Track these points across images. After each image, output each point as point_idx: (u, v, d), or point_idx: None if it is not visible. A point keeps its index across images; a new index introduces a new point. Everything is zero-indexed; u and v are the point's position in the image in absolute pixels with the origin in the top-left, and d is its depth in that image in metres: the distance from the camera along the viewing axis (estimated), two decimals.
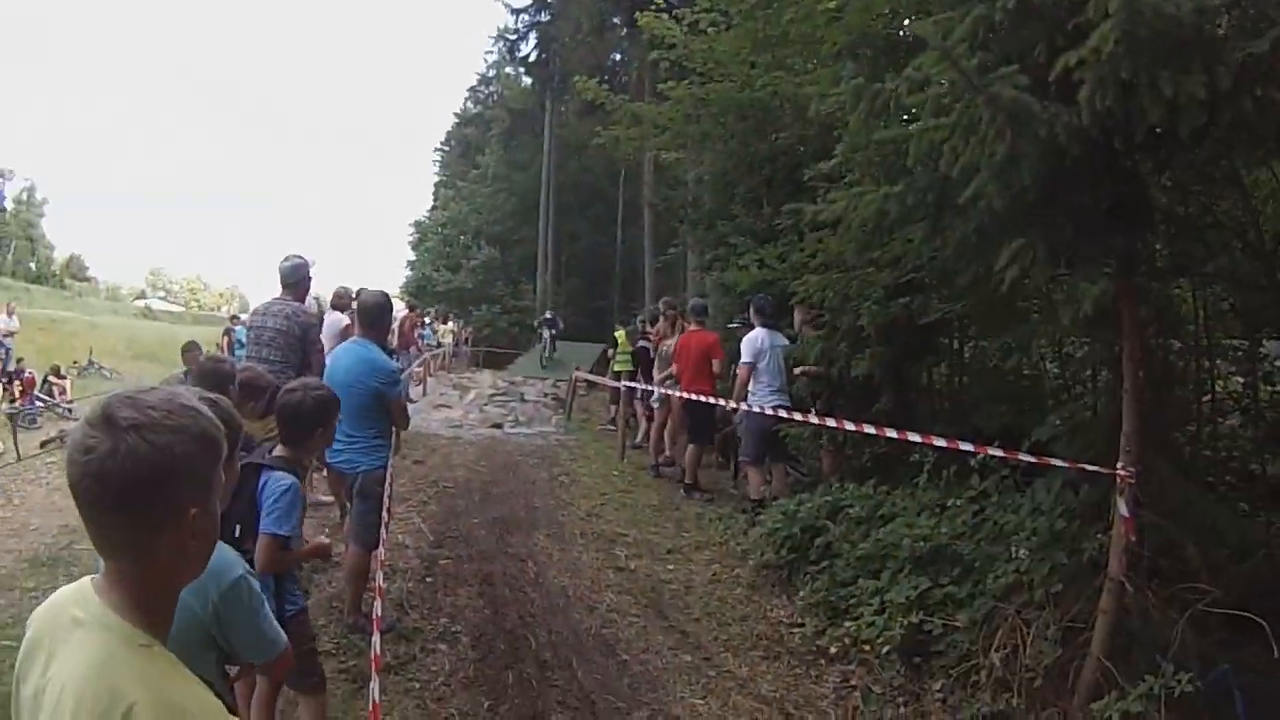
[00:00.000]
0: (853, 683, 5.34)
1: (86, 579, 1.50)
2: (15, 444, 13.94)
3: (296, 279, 6.91)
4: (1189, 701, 4.00)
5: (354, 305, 10.74)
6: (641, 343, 13.26)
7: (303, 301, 7.06)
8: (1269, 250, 5.45)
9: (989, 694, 4.73)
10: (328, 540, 4.21)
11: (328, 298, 10.81)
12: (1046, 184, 4.12)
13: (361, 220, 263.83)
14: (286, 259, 7.01)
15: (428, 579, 6.78)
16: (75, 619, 1.43)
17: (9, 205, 79.54)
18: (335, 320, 9.54)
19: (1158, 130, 3.80)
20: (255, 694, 4.11)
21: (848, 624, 5.74)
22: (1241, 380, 6.14)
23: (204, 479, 1.47)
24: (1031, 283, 5.41)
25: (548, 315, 29.04)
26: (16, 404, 20.39)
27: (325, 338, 7.95)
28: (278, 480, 3.67)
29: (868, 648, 5.49)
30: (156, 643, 1.42)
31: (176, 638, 2.22)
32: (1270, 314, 5.70)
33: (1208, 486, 5.36)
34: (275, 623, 2.44)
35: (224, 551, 2.36)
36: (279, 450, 3.87)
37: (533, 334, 29.21)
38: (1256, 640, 4.10)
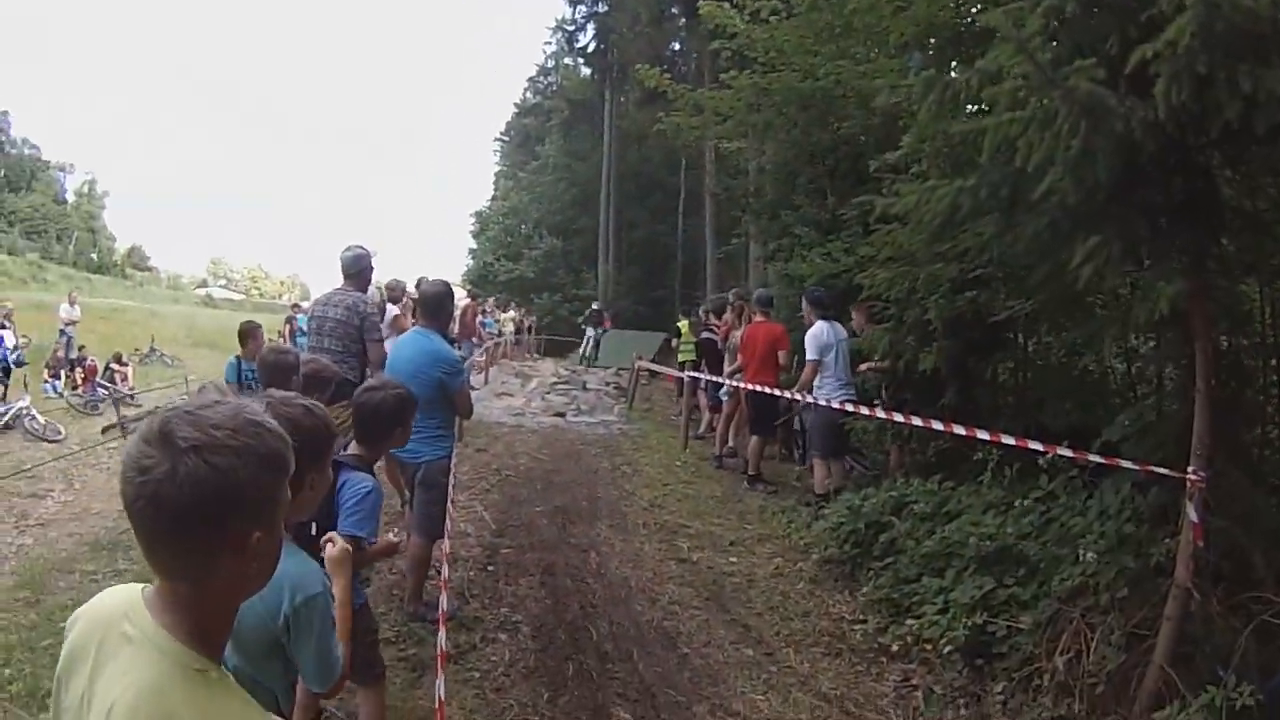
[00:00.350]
0: (914, 682, 5.30)
1: (137, 588, 1.45)
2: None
3: (358, 269, 6.98)
4: (1249, 714, 3.92)
5: (406, 296, 10.99)
6: (705, 334, 13.17)
7: (364, 291, 7.11)
8: None
9: (1050, 699, 4.67)
10: (397, 539, 4.24)
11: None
12: (1120, 180, 4.02)
13: (420, 212, 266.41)
14: (348, 249, 7.09)
15: (489, 567, 6.85)
16: (125, 634, 1.38)
17: (70, 198, 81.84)
18: (388, 312, 9.65)
19: (1233, 126, 3.69)
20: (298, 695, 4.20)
21: (910, 622, 5.69)
22: None
23: (269, 502, 1.41)
24: (1105, 281, 5.29)
25: (594, 307, 28.15)
26: (79, 391, 20.93)
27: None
28: (359, 482, 3.69)
29: (929, 647, 5.44)
30: (213, 667, 1.38)
31: (244, 643, 2.27)
32: None
33: (1275, 491, 5.21)
34: (338, 648, 2.43)
35: (307, 563, 2.38)
36: (353, 448, 3.90)
37: (599, 314, 27.52)
38: None
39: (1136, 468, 4.81)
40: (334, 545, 2.62)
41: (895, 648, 5.64)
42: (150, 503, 1.29)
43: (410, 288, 11.32)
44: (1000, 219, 4.89)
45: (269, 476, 1.39)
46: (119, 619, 1.40)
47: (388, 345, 7.93)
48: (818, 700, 5.11)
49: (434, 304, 6.09)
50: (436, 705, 3.35)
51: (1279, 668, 4.23)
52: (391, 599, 6.04)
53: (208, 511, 1.30)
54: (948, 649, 5.29)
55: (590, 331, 26.63)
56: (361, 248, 7.10)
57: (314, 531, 3.65)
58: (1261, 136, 3.70)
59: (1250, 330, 5.50)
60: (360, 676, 3.97)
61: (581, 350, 26.78)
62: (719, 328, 12.50)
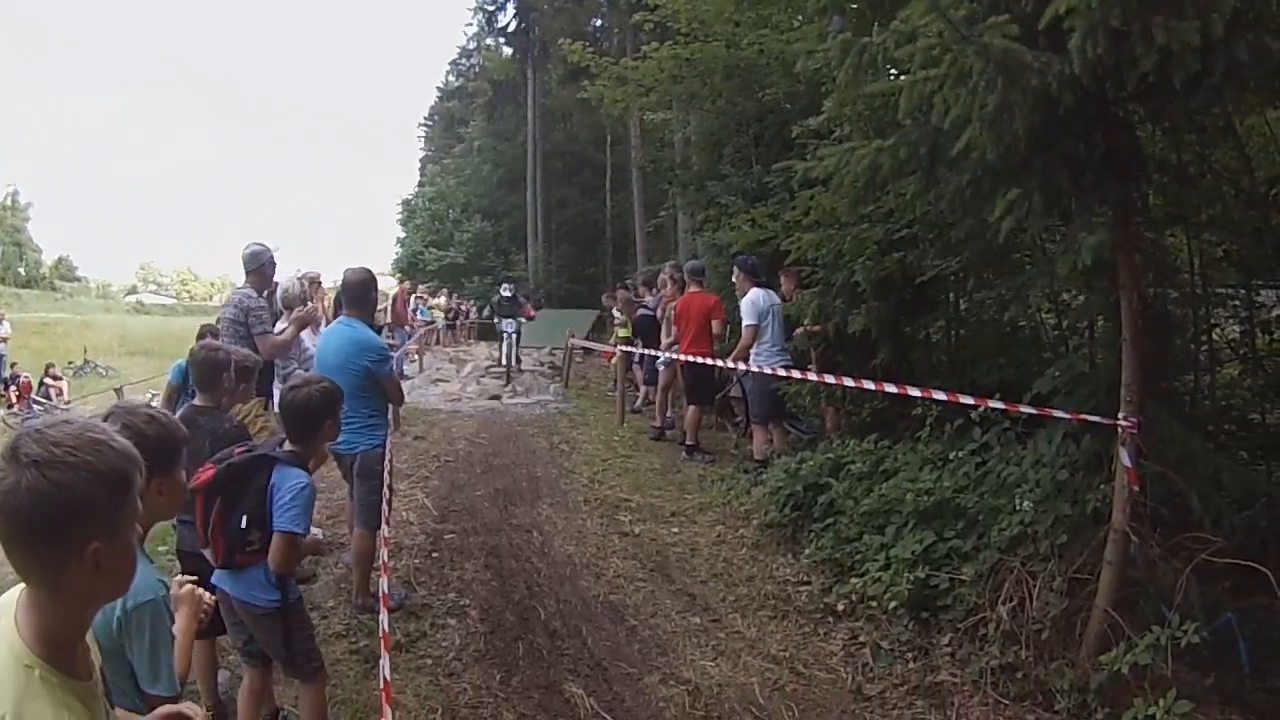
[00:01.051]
0: (861, 639, 5.36)
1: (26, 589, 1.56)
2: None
3: (256, 265, 6.92)
4: (1194, 651, 4.03)
5: (320, 289, 10.89)
6: (641, 311, 13.13)
7: (265, 287, 7.03)
8: (1263, 197, 5.41)
9: (997, 647, 4.76)
10: (321, 536, 4.19)
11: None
12: (1040, 134, 4.07)
13: (355, 208, 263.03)
14: (247, 246, 7.04)
15: (434, 554, 6.81)
16: None
17: None
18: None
19: (1150, 78, 3.75)
20: (243, 686, 4.16)
21: (854, 581, 5.75)
22: (1239, 329, 6.11)
23: (107, 516, 1.49)
24: (1028, 234, 5.38)
25: (505, 293, 18.67)
26: (15, 409, 20.38)
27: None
28: (293, 478, 3.67)
29: (875, 604, 5.50)
30: (42, 666, 1.48)
31: (102, 648, 2.29)
32: (1266, 262, 5.67)
33: (1208, 436, 5.35)
34: (173, 666, 2.41)
35: (145, 573, 2.36)
36: (288, 445, 3.85)
37: (512, 302, 18.26)
38: (1261, 589, 4.13)
39: (1069, 416, 4.90)
40: (179, 587, 2.61)
41: (841, 607, 5.70)
42: (0, 513, 1.42)
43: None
44: (921, 178, 4.94)
45: (107, 491, 1.48)
46: (3, 613, 1.55)
47: (309, 337, 7.87)
48: (767, 663, 5.16)
49: (358, 293, 6.01)
50: (382, 686, 3.32)
51: (1223, 606, 4.37)
52: (340, 592, 5.97)
53: (46, 522, 1.42)
54: (893, 605, 5.35)
55: (505, 326, 17.60)
56: (260, 244, 7.03)
57: (243, 525, 3.60)
58: (1179, 89, 3.76)
59: (1178, 280, 5.62)
60: (298, 671, 3.95)
61: (501, 353, 17.91)
62: (664, 298, 12.45)
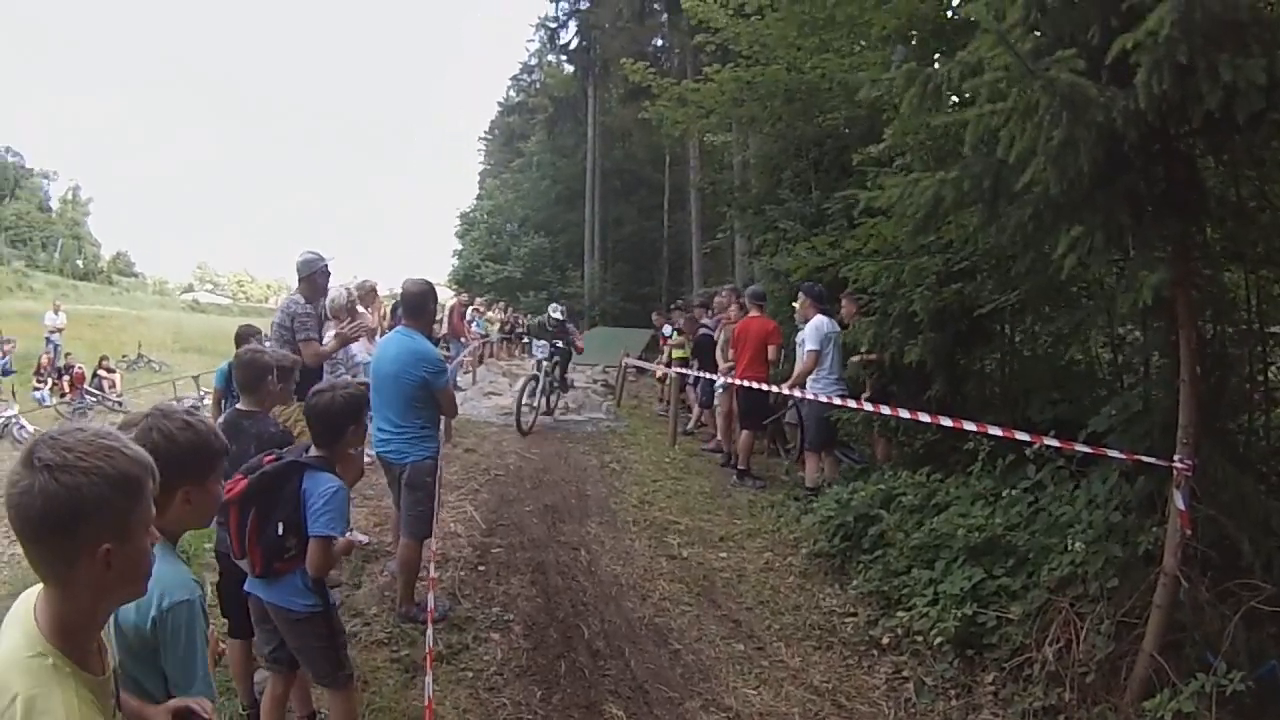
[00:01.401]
0: (905, 674, 5.31)
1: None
2: None
3: (308, 273, 7.04)
4: (1238, 699, 3.94)
5: (377, 298, 11.13)
6: (702, 330, 13.07)
7: (319, 295, 7.15)
8: None
9: (1041, 688, 4.69)
10: (363, 539, 4.23)
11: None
12: (1103, 169, 4.03)
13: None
14: (301, 255, 7.18)
15: (480, 567, 6.83)
16: (15, 615, 1.68)
17: (55, 205, 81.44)
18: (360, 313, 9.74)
19: (1214, 115, 3.70)
20: (266, 691, 4.21)
21: (900, 614, 5.70)
22: None
23: (118, 518, 1.59)
24: (1089, 270, 5.31)
25: (555, 314, 14.52)
26: (68, 398, 20.86)
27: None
28: (325, 482, 3.72)
29: (920, 639, 5.45)
30: (57, 656, 1.60)
31: (129, 644, 2.36)
32: None
33: (1261, 478, 5.24)
34: (208, 671, 2.41)
35: (179, 570, 2.38)
36: (314, 450, 3.91)
37: (559, 327, 14.22)
38: None
39: (1123, 456, 4.83)
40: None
41: (886, 640, 5.64)
42: (15, 513, 1.54)
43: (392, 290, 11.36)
44: (983, 210, 4.90)
45: (117, 495, 1.58)
46: (22, 602, 1.70)
47: (360, 348, 7.95)
48: (809, 694, 5.12)
49: (416, 303, 6.06)
50: (426, 704, 3.35)
51: (1268, 654, 4.26)
52: (384, 600, 6.02)
53: (56, 522, 1.53)
54: (938, 640, 5.29)
55: (537, 351, 13.97)
56: (313, 252, 7.17)
57: (280, 533, 3.66)
58: (1243, 125, 3.71)
59: (1235, 318, 5.51)
60: (328, 679, 3.98)
61: (528, 382, 13.55)
62: (716, 322, 12.42)
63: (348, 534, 3.97)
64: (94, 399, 21.45)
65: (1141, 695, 4.35)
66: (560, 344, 13.60)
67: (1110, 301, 5.21)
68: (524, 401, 12.62)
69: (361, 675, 4.93)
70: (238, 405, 4.88)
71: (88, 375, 22.61)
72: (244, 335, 7.52)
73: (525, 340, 16.20)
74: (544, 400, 13.47)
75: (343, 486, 3.78)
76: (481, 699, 4.91)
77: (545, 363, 13.34)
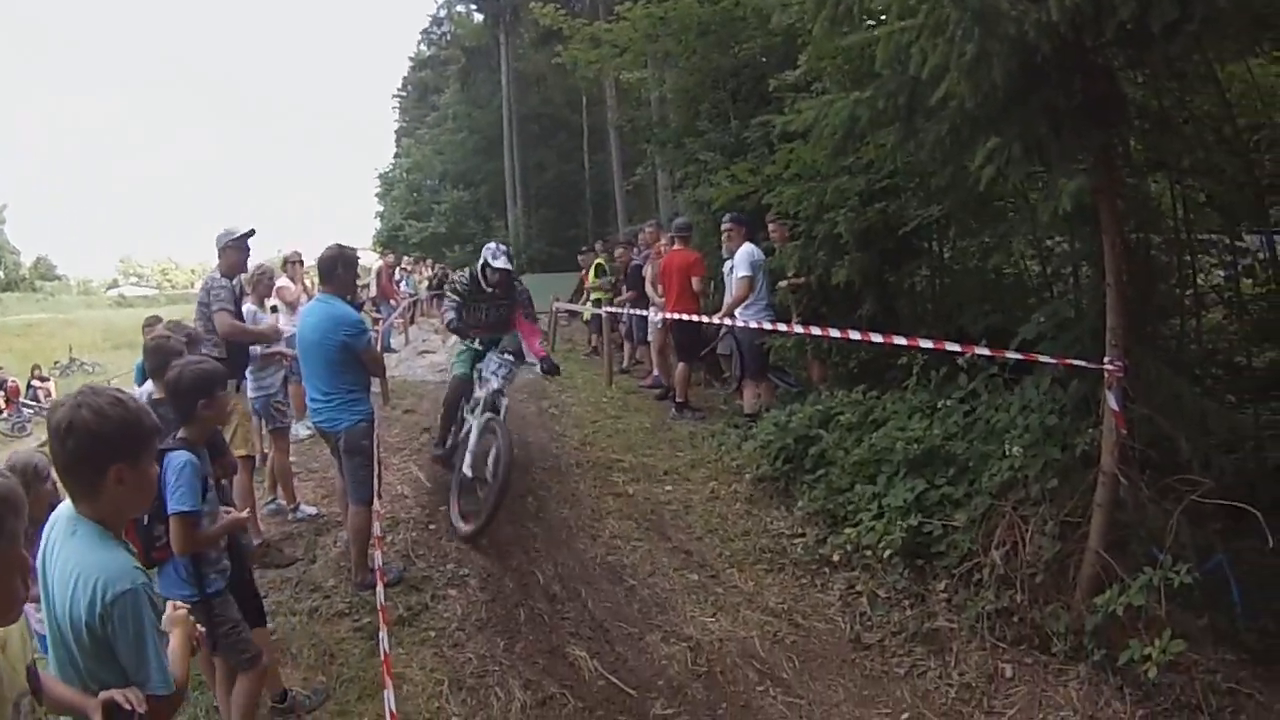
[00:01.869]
0: (858, 589, 5.43)
1: None
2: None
3: (220, 246, 6.86)
4: (1187, 592, 4.09)
5: (297, 267, 10.98)
6: (634, 262, 13.00)
7: (238, 269, 6.97)
8: (1245, 144, 5.43)
9: (992, 591, 4.84)
10: (243, 513, 4.16)
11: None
12: (1018, 82, 4.07)
13: (356, 208, 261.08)
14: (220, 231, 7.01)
15: (430, 526, 6.82)
16: None
17: None
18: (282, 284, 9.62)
19: (1128, 25, 3.74)
20: (217, 671, 4.18)
21: (848, 531, 5.81)
22: (1223, 274, 6.16)
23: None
24: (1008, 182, 5.38)
25: (497, 261, 7.38)
26: (4, 414, 20.28)
27: None
28: (173, 459, 3.65)
29: (870, 553, 5.57)
30: None
31: (83, 651, 2.29)
32: (1248, 207, 5.71)
33: (1195, 380, 5.41)
34: (163, 660, 2.33)
35: (120, 562, 2.30)
36: (181, 431, 3.84)
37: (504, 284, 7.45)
38: (1252, 531, 4.18)
39: (1055, 361, 4.94)
40: (174, 609, 2.58)
41: (836, 557, 5.76)
42: None
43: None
44: (900, 128, 4.93)
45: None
46: None
47: (283, 319, 7.83)
48: (766, 616, 5.23)
49: (326, 268, 6.04)
50: (383, 658, 3.35)
51: (1214, 548, 4.44)
52: (340, 572, 5.99)
53: None
54: (887, 553, 5.41)
55: (491, 373, 7.14)
56: (230, 227, 6.97)
57: (145, 522, 3.60)
58: (1158, 35, 3.76)
59: (1162, 226, 5.65)
60: (234, 662, 3.95)
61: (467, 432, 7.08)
62: (644, 258, 12.35)
63: (223, 511, 3.90)
64: (31, 410, 20.87)
65: (1091, 592, 4.49)
66: (510, 355, 7.48)
67: (1034, 213, 5.28)
68: (464, 471, 6.79)
69: (328, 649, 5.00)
70: (151, 393, 4.77)
71: (22, 388, 21.99)
72: (151, 323, 7.39)
73: (451, 315, 7.84)
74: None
75: (191, 460, 3.70)
76: (446, 656, 4.95)
77: (499, 392, 7.14)
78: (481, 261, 7.46)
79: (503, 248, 7.53)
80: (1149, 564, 4.27)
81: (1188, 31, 3.86)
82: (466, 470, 6.69)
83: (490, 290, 7.46)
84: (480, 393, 7.03)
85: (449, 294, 7.80)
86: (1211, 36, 4.25)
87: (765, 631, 5.06)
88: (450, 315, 7.49)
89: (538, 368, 7.71)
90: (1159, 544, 4.38)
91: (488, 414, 6.85)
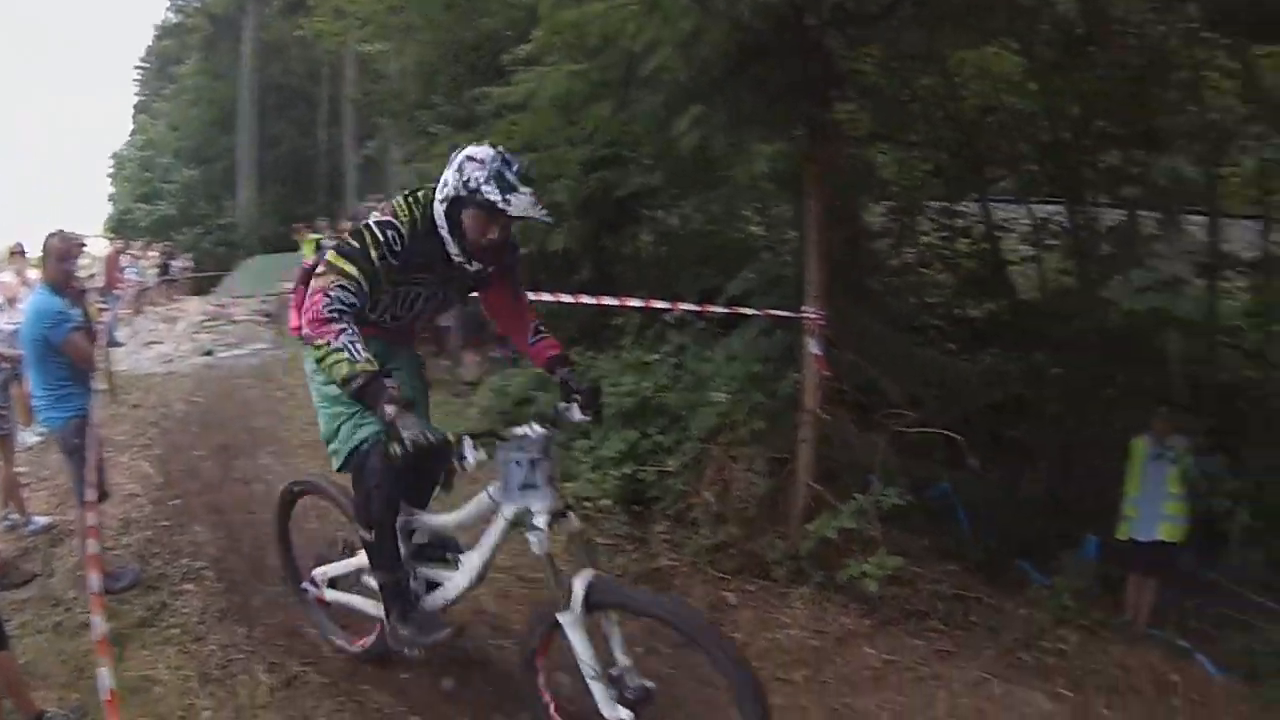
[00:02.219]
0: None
1: None
2: None
3: None
4: (906, 516, 4.51)
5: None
6: None
7: None
8: (969, 121, 6.00)
9: (708, 529, 5.17)
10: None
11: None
12: (733, 59, 4.31)
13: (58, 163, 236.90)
14: None
15: (162, 523, 6.57)
16: None
17: None
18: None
19: (845, 8, 4.01)
20: None
21: (568, 485, 5.92)
22: (941, 235, 6.83)
23: None
24: (714, 148, 5.68)
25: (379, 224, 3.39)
26: None
27: None
28: None
29: (590, 504, 5.78)
30: None
31: None
32: (970, 178, 6.34)
33: (915, 330, 5.94)
34: None
35: None
36: None
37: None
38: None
39: (758, 313, 5.31)
40: None
41: None
42: None
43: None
44: (615, 99, 5.12)
45: None
46: None
47: (2, 316, 7.31)
48: (495, 573, 5.29)
49: (44, 259, 5.74)
50: (108, 699, 3.17)
51: (938, 477, 4.92)
52: (79, 582, 5.52)
53: None
54: (605, 502, 5.67)
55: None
56: None
57: None
58: (877, 15, 4.07)
59: (889, 193, 6.15)
60: None
61: None
62: None
63: None
64: None
65: (804, 520, 4.89)
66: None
67: (734, 178, 5.62)
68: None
69: (76, 663, 4.68)
70: None
71: None
72: None
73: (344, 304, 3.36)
74: None
75: None
76: (191, 651, 4.76)
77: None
78: (454, 190, 3.26)
79: (517, 161, 3.31)
80: (862, 491, 4.68)
81: (902, 16, 4.22)
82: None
83: (462, 260, 3.42)
84: (522, 503, 3.52)
85: (339, 263, 3.28)
86: (929, 21, 4.66)
87: (495, 589, 5.11)
88: (338, 306, 3.21)
89: (574, 413, 3.82)
90: (871, 473, 4.82)
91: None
